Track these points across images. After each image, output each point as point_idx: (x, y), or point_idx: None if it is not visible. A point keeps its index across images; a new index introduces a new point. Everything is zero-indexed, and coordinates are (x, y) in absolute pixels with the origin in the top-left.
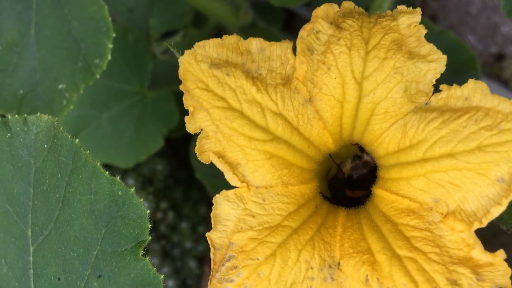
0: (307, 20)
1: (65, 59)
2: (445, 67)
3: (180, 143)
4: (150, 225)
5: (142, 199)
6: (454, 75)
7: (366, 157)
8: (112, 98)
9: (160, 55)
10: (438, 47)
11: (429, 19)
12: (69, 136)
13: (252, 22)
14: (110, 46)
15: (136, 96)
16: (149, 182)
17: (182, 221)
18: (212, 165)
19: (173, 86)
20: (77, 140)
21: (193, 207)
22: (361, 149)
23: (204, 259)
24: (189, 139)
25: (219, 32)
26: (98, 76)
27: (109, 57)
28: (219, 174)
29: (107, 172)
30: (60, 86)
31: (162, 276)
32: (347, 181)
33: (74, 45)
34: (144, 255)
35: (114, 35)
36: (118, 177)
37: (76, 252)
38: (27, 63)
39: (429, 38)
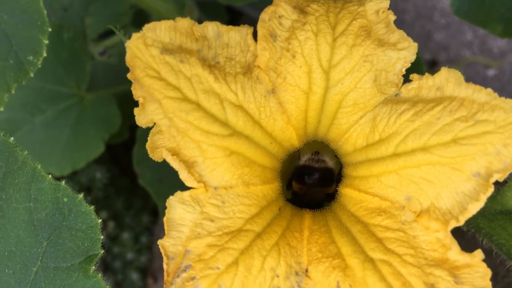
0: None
1: None
2: (415, 56)
3: (121, 150)
4: (102, 237)
5: (92, 207)
6: None
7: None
8: (45, 100)
9: (97, 57)
10: None
11: None
12: (1, 134)
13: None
14: (46, 41)
15: (73, 99)
16: (87, 190)
17: (123, 231)
18: (156, 170)
19: (114, 88)
20: (12, 138)
21: (135, 216)
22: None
23: (147, 271)
24: (131, 145)
25: None
26: (32, 75)
27: (45, 54)
28: (165, 179)
29: (49, 176)
30: None
31: None
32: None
33: (5, 40)
34: (96, 271)
35: (50, 29)
36: (63, 181)
37: (11, 268)
38: None
39: None
